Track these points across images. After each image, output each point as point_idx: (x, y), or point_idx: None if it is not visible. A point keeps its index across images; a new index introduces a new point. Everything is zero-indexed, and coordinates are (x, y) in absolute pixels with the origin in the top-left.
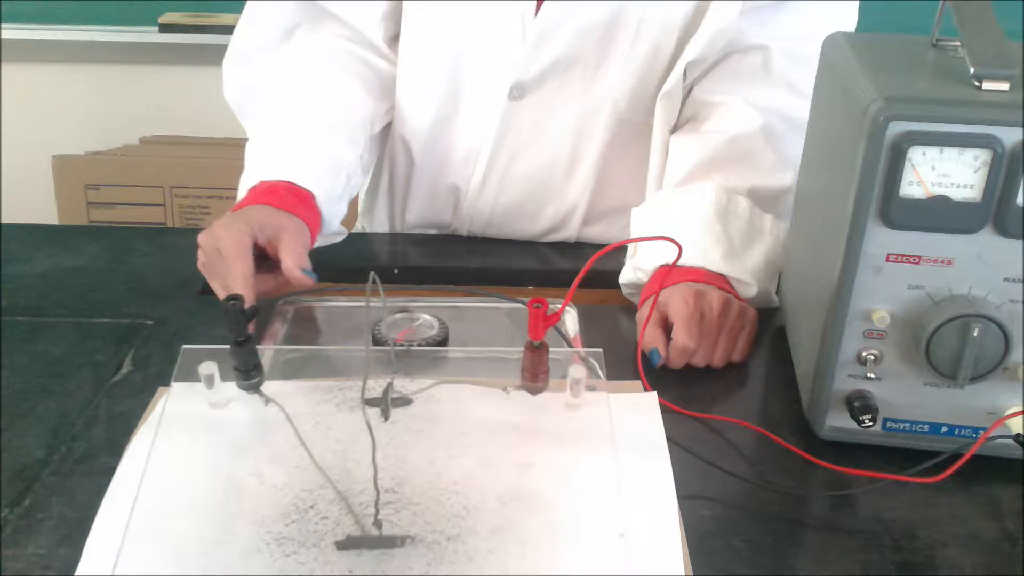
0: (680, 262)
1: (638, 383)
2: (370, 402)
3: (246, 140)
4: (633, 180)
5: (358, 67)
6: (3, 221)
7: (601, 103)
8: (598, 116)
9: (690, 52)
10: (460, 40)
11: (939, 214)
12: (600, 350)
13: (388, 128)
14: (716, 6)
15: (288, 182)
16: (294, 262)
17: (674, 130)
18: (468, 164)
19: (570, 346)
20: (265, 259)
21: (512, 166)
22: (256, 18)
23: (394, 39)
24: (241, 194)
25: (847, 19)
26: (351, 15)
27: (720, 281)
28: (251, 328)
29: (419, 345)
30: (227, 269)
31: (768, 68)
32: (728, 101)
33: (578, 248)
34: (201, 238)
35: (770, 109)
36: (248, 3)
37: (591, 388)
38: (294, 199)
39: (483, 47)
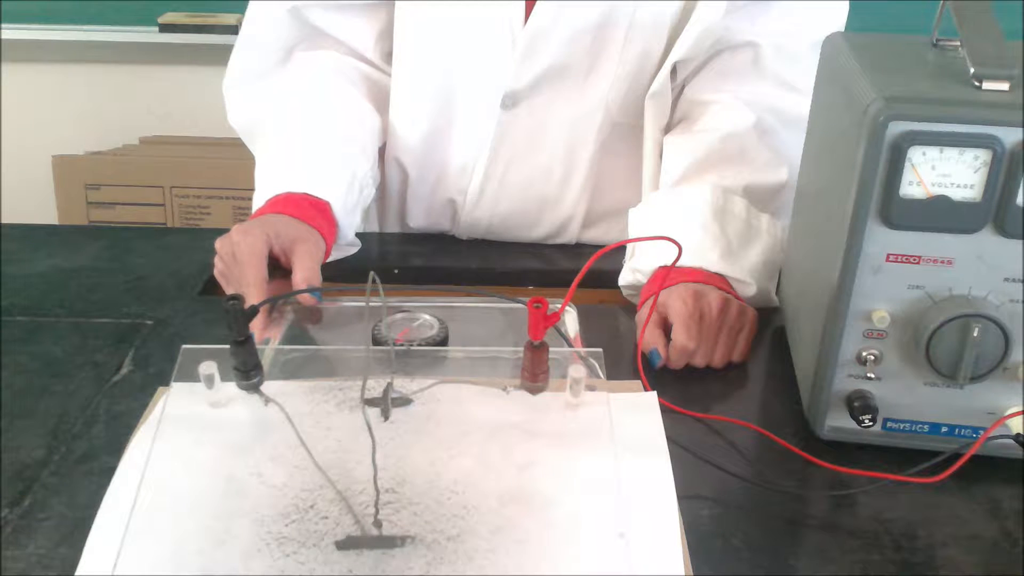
0: (678, 263)
1: (638, 383)
2: (370, 402)
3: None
4: (629, 182)
5: (361, 81)
6: (3, 221)
7: (594, 107)
8: (591, 120)
9: (677, 52)
10: (451, 52)
11: (939, 214)
12: (600, 350)
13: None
14: (703, 5)
15: (305, 193)
16: (303, 277)
17: (668, 130)
18: (464, 176)
19: (570, 346)
20: (279, 267)
21: (508, 175)
22: (252, 42)
23: (390, 56)
24: (256, 208)
25: (836, 14)
26: (347, 35)
27: (719, 281)
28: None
29: (419, 345)
30: (241, 274)
31: (758, 65)
32: (720, 99)
33: (578, 248)
34: (218, 243)
35: (762, 105)
36: (242, 28)
37: (591, 388)
38: (312, 209)
39: (474, 58)
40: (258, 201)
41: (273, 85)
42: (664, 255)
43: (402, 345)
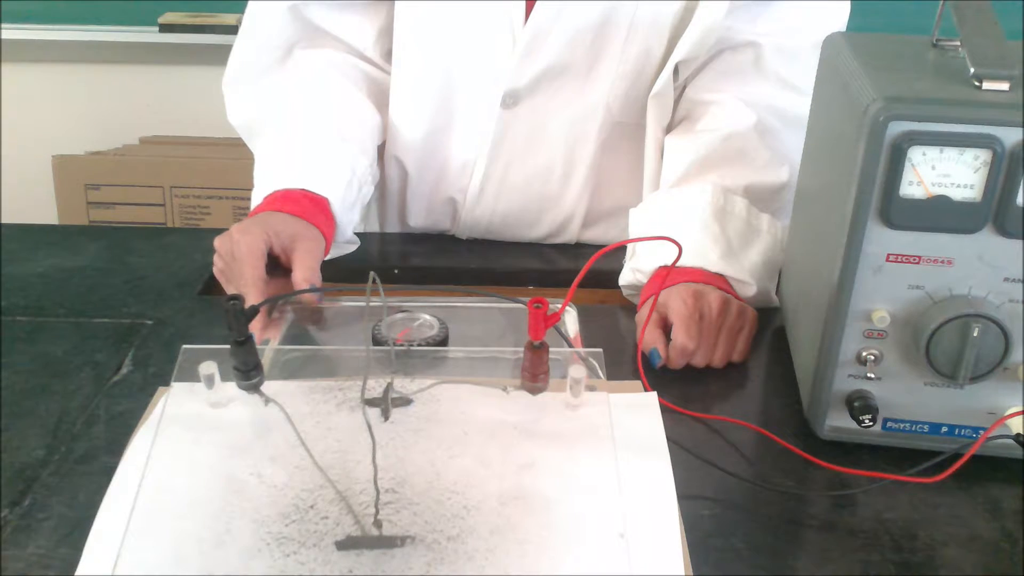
0: (679, 263)
1: (638, 383)
2: (370, 402)
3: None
4: (630, 181)
5: (360, 79)
6: (3, 221)
7: (594, 107)
8: (592, 120)
9: (680, 51)
10: (451, 51)
11: (939, 214)
12: (600, 350)
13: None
14: (705, 4)
15: (303, 189)
16: (303, 276)
17: (669, 130)
18: (464, 175)
19: (570, 346)
20: (279, 265)
21: (508, 174)
22: (252, 40)
23: (390, 54)
24: (255, 204)
25: (837, 13)
26: (347, 33)
27: (719, 281)
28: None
29: (419, 345)
30: (241, 273)
31: (759, 65)
32: (721, 99)
33: (578, 248)
34: (218, 242)
35: (763, 105)
36: (242, 27)
37: (591, 388)
38: (311, 205)
39: (474, 57)
40: (256, 198)
41: (273, 83)
42: (664, 255)
43: (402, 345)
